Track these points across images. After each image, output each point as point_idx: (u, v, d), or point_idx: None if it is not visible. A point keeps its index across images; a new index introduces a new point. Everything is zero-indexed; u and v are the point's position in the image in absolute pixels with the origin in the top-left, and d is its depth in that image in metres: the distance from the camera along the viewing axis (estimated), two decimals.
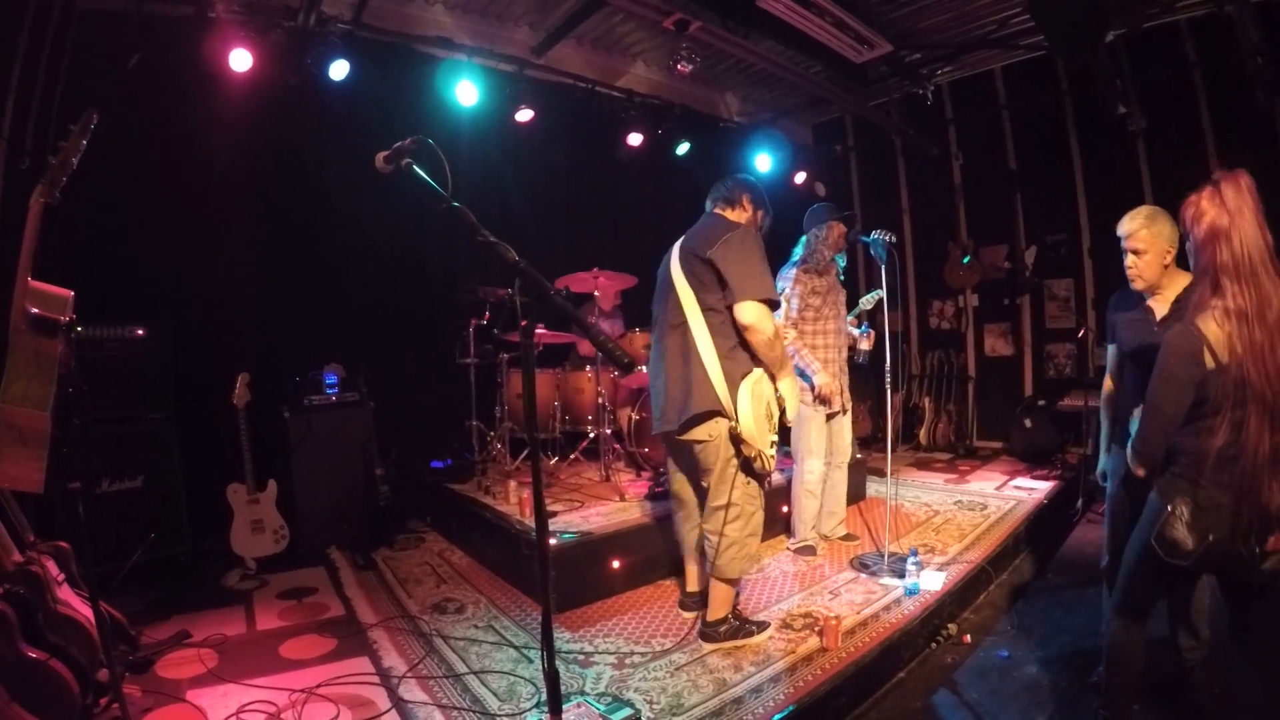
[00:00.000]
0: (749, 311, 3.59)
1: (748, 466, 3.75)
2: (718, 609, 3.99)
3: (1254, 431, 2.33)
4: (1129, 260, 3.23)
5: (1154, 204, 7.24)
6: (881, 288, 4.95)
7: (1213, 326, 2.39)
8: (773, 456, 3.78)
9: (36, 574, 3.06)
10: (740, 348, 3.70)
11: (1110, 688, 2.97)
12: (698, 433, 3.73)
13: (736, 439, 3.66)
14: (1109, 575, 3.29)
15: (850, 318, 5.54)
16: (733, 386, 3.63)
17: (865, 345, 5.22)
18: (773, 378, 3.81)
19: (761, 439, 3.65)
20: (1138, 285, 3.23)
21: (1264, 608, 2.56)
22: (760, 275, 3.64)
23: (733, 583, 3.96)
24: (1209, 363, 2.40)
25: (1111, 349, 3.56)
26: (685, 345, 3.75)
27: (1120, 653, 2.88)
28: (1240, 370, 2.34)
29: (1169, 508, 2.52)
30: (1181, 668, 3.24)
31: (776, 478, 5.86)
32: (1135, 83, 7.43)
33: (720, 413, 3.67)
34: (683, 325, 3.76)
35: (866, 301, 5.35)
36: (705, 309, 3.70)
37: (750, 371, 3.69)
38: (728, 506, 3.75)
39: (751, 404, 3.59)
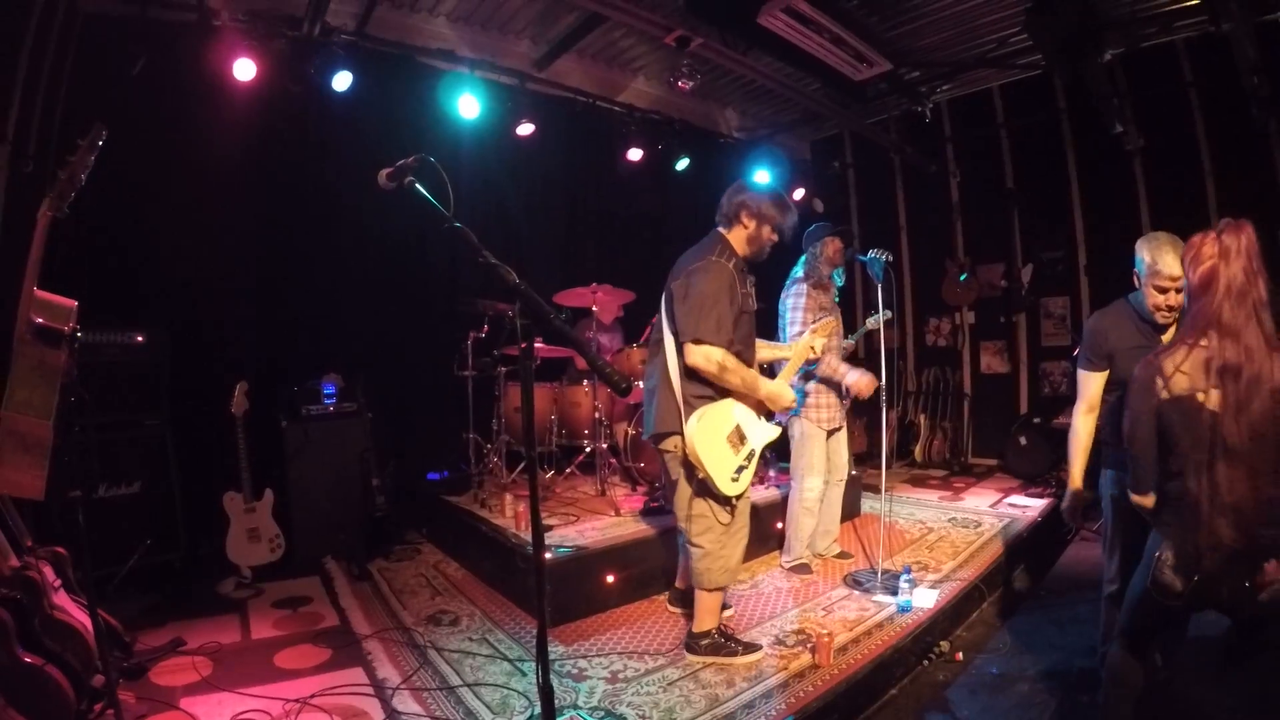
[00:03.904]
0: (689, 354, 3.70)
1: (704, 486, 3.81)
2: (702, 620, 4.05)
3: (1225, 480, 2.40)
4: (1176, 300, 3.20)
5: (1151, 223, 7.28)
6: (878, 305, 4.97)
7: (1173, 361, 2.53)
8: (735, 480, 3.80)
9: (34, 579, 3.07)
10: (698, 376, 3.78)
11: (1106, 709, 2.98)
12: (665, 444, 3.92)
13: (690, 459, 3.73)
14: (1116, 600, 3.30)
15: (850, 340, 5.56)
16: (688, 409, 3.74)
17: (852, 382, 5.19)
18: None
19: (710, 463, 3.68)
20: (1170, 322, 3.27)
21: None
22: (703, 315, 3.68)
23: (714, 594, 4.01)
24: (1161, 393, 2.53)
25: (1098, 376, 3.52)
26: (660, 363, 3.92)
27: (1120, 673, 2.89)
28: (1216, 421, 2.42)
29: (1157, 554, 2.60)
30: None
31: (774, 493, 5.89)
32: (1132, 101, 7.49)
33: (676, 433, 3.80)
34: (661, 343, 3.92)
35: (873, 321, 5.32)
36: (674, 333, 3.83)
37: (709, 399, 3.79)
38: (692, 518, 3.91)
39: (699, 430, 3.66)
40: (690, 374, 3.78)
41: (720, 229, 4.03)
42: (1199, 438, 2.46)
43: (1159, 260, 3.24)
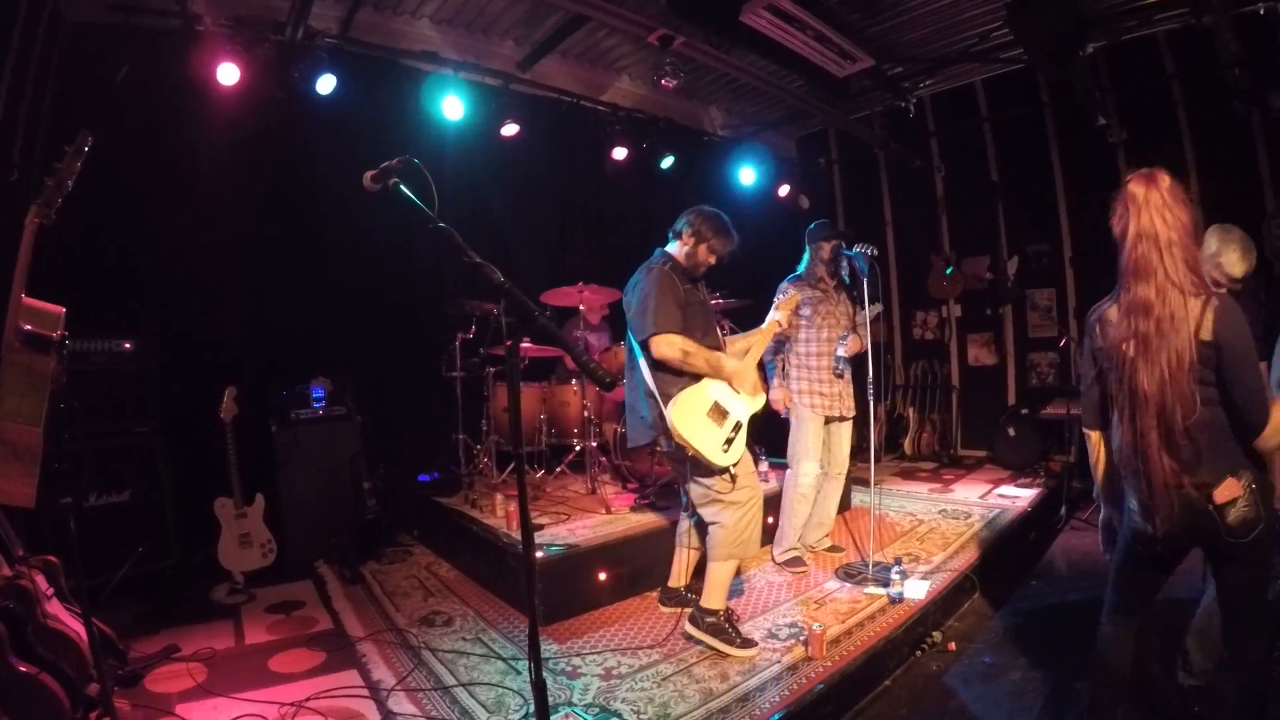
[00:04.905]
0: (654, 349, 3.98)
1: (698, 464, 4.00)
2: (711, 594, 4.15)
3: (1150, 420, 2.49)
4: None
5: None
6: (864, 299, 5.00)
7: (1109, 312, 2.67)
8: (725, 451, 3.98)
9: (26, 588, 3.06)
10: (667, 368, 4.05)
11: (1095, 691, 2.99)
12: (660, 444, 4.21)
13: (677, 443, 3.91)
14: None
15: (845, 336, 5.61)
16: (666, 400, 3.97)
17: (842, 351, 5.28)
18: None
19: (696, 440, 3.88)
20: None
21: (1241, 580, 2.60)
22: (650, 312, 3.99)
23: (725, 566, 4.15)
24: (1098, 339, 2.69)
25: None
26: (636, 376, 4.23)
27: (1107, 656, 2.89)
28: (1131, 365, 2.52)
29: (1130, 505, 2.68)
30: (1181, 694, 3.32)
31: (769, 486, 5.90)
32: (1115, 95, 7.54)
33: (664, 433, 4.01)
34: (634, 354, 4.21)
35: (862, 315, 5.36)
36: (638, 343, 4.12)
37: (685, 386, 4.01)
38: (703, 502, 4.16)
39: (677, 413, 3.90)
40: (662, 374, 4.04)
41: (667, 245, 4.37)
42: (1123, 384, 2.57)
43: (1222, 253, 3.32)
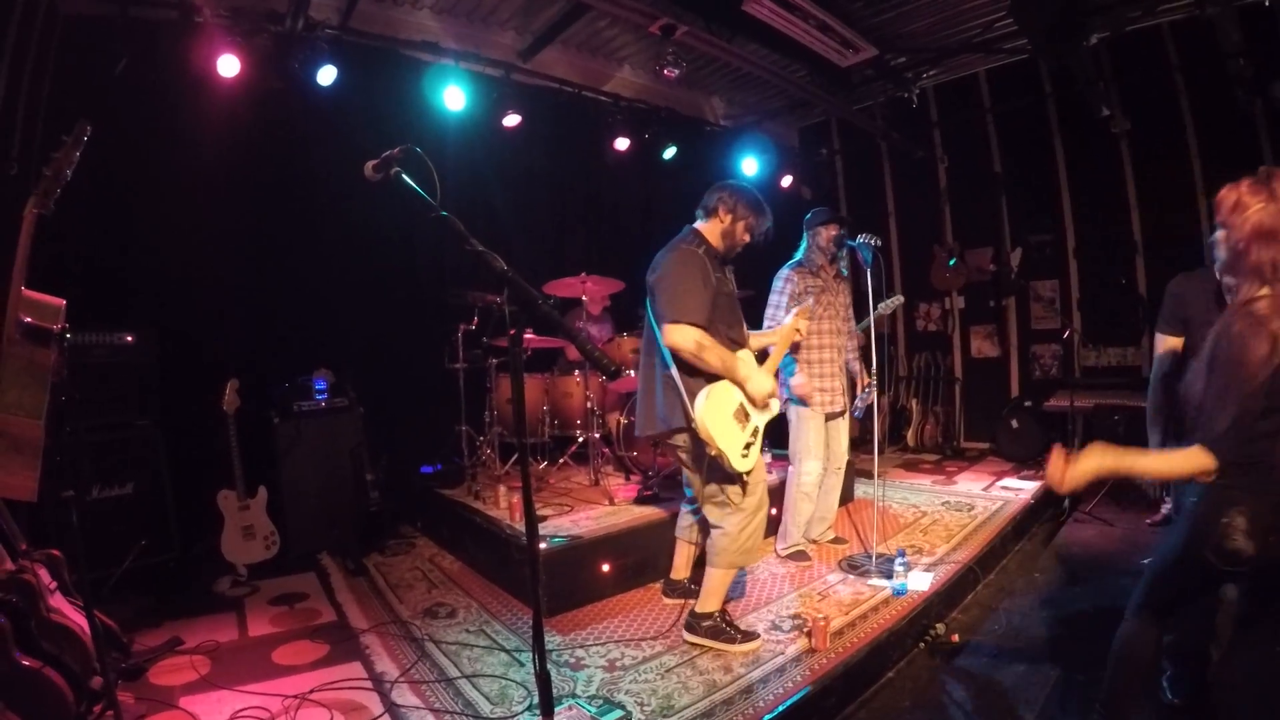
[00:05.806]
0: (667, 335, 3.73)
1: (716, 466, 3.81)
2: (707, 600, 4.07)
3: None
4: None
5: (1139, 206, 7.18)
6: (869, 290, 4.96)
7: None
8: (744, 456, 3.80)
9: (29, 582, 3.07)
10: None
11: (1113, 685, 2.95)
12: (676, 439, 3.95)
13: (700, 441, 3.72)
14: None
15: (860, 329, 5.57)
16: (691, 396, 3.74)
17: (860, 402, 5.29)
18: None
19: (722, 440, 3.67)
20: None
21: None
22: (676, 297, 3.74)
23: (725, 573, 4.03)
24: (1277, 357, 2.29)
25: (1173, 340, 3.34)
26: (656, 362, 3.95)
27: (1130, 651, 2.86)
28: None
29: (1224, 520, 2.42)
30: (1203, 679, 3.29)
31: (770, 478, 5.90)
32: (1118, 85, 7.52)
33: (683, 429, 3.82)
34: (654, 341, 3.94)
35: (885, 307, 5.29)
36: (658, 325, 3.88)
37: (712, 380, 3.77)
38: (713, 504, 3.98)
39: (708, 408, 3.67)
40: (686, 365, 3.77)
41: (697, 223, 4.10)
42: None
43: None
